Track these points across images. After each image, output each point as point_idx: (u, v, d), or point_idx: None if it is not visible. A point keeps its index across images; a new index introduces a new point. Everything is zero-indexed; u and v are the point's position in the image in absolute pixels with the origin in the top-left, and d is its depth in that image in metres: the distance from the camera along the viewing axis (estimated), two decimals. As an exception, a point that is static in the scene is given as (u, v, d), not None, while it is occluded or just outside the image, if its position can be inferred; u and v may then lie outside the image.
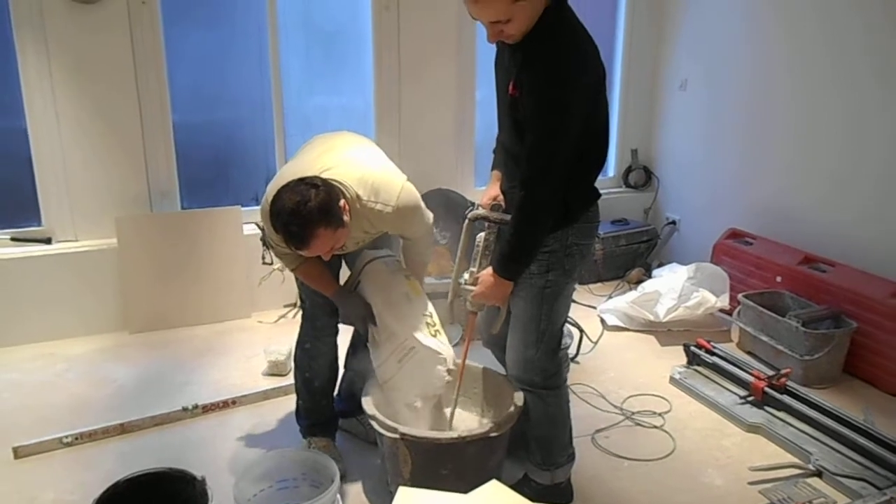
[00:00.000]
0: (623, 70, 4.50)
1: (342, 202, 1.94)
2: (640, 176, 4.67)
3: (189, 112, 3.63)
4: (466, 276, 2.07)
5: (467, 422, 2.37)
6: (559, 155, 1.78)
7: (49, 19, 3.16)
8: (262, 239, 3.35)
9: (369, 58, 3.86)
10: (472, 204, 2.97)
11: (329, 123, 3.86)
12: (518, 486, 2.11)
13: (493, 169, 2.15)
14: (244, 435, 2.63)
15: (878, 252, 3.18)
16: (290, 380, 2.63)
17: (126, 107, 3.39)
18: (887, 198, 3.16)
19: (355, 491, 2.31)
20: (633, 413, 2.82)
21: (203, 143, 3.76)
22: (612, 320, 3.66)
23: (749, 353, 3.33)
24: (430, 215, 2.23)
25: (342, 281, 2.35)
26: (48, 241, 3.40)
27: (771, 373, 2.89)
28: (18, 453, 2.48)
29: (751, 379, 2.85)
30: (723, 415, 2.81)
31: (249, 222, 3.64)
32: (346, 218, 1.94)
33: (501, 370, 2.32)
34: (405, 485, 1.90)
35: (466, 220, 2.11)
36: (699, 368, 3.12)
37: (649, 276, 4.10)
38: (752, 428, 2.70)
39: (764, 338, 3.20)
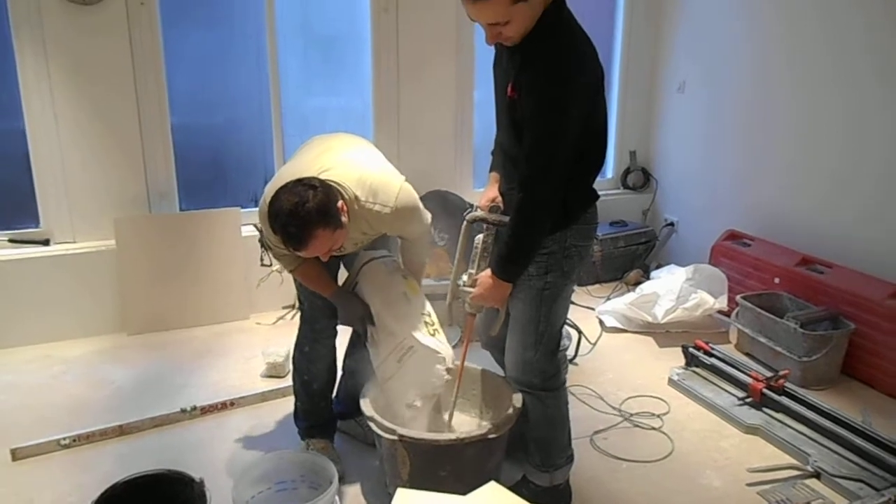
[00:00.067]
0: (621, 71, 4.51)
1: (340, 203, 1.94)
2: (639, 177, 4.67)
3: (187, 113, 3.64)
4: (465, 277, 2.07)
5: (466, 424, 2.37)
6: (559, 155, 1.78)
7: (47, 20, 3.16)
8: (260, 241, 3.35)
9: (368, 59, 3.86)
10: (471, 206, 2.97)
11: (327, 125, 3.87)
12: (517, 488, 2.10)
13: (491, 171, 2.15)
14: (242, 436, 2.63)
15: (876, 253, 3.19)
16: (288, 381, 2.63)
17: (124, 108, 3.39)
18: (887, 198, 3.16)
19: (354, 492, 2.31)
20: (631, 414, 2.82)
21: (201, 145, 3.77)
22: (610, 322, 3.66)
23: (747, 354, 3.34)
24: (428, 216, 2.23)
25: (340, 282, 2.35)
26: (46, 242, 3.40)
27: (769, 374, 2.90)
28: (16, 455, 2.48)
29: (749, 380, 2.85)
30: (721, 416, 2.81)
31: (248, 224, 3.64)
32: (344, 219, 1.94)
33: (500, 372, 2.32)
34: (403, 486, 1.90)
35: (465, 222, 2.11)
36: (697, 370, 3.13)
37: (648, 278, 4.10)
38: (751, 429, 2.70)
39: (762, 339, 3.20)
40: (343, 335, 2.47)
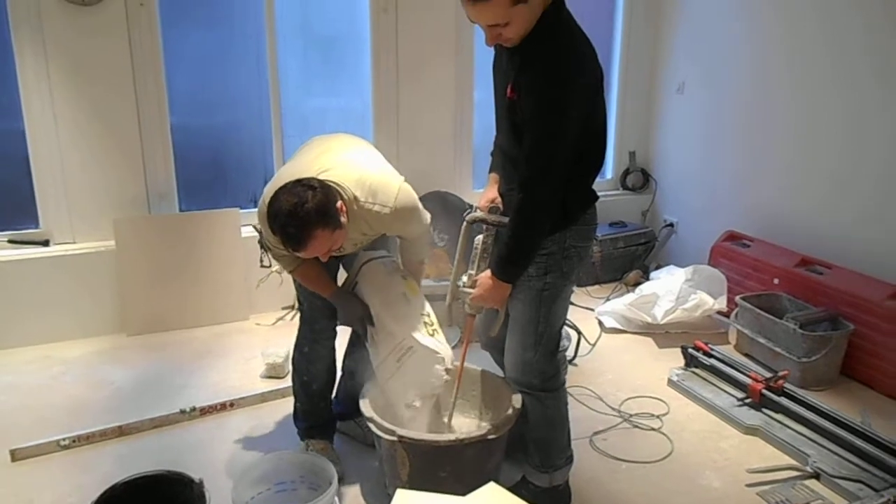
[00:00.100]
0: (621, 72, 4.51)
1: (339, 203, 1.94)
2: (638, 178, 4.67)
3: (187, 114, 3.64)
4: (465, 278, 2.07)
5: (465, 425, 2.37)
6: (558, 156, 1.78)
7: (47, 21, 3.16)
8: (259, 242, 3.35)
9: (367, 59, 3.86)
10: (470, 206, 2.97)
11: (327, 125, 3.87)
12: (516, 489, 2.10)
13: (491, 171, 2.15)
14: (242, 437, 2.63)
15: (876, 254, 3.19)
16: (287, 382, 2.63)
17: (124, 109, 3.39)
18: (886, 199, 3.16)
19: (353, 493, 2.31)
20: (630, 415, 2.82)
21: (201, 145, 3.77)
22: (609, 322, 3.66)
23: (746, 355, 3.34)
24: (427, 216, 2.23)
25: (340, 282, 2.35)
26: (46, 243, 3.40)
27: (768, 375, 2.90)
28: (16, 456, 2.47)
29: (748, 381, 2.85)
30: (720, 417, 2.81)
31: (247, 224, 3.64)
32: (343, 219, 1.94)
33: (500, 372, 2.32)
34: (403, 487, 1.90)
35: (464, 223, 2.11)
36: (697, 370, 3.13)
37: (647, 279, 4.10)
38: (750, 430, 2.70)
39: (761, 340, 3.20)
40: (343, 336, 2.47)
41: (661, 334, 3.56)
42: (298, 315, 2.42)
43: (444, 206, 3.67)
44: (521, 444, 2.21)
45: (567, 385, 2.20)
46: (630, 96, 4.55)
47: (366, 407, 2.14)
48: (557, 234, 1.94)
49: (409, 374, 2.16)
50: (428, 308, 2.26)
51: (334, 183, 1.98)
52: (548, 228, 1.88)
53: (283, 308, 3.79)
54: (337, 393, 2.56)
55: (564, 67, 1.74)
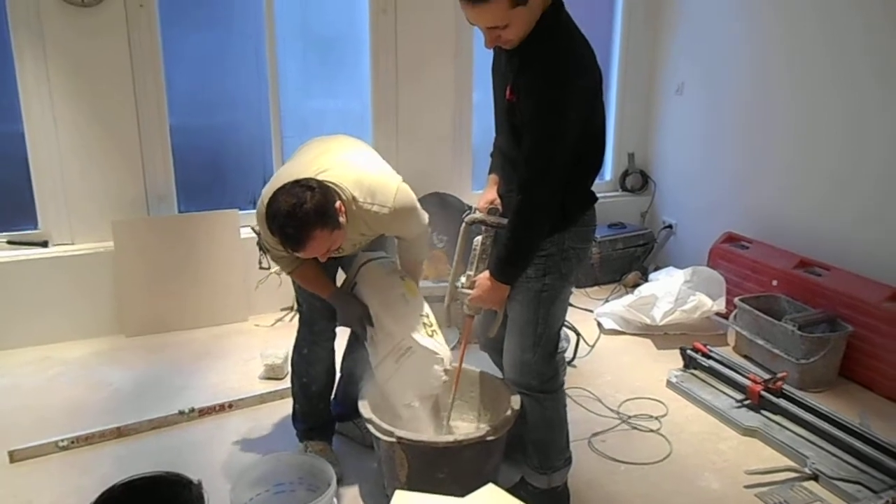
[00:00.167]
0: (620, 74, 4.51)
1: (338, 204, 1.94)
2: (637, 180, 4.67)
3: (186, 115, 3.64)
4: (463, 279, 2.07)
5: (464, 426, 2.37)
6: (557, 158, 1.78)
7: (46, 23, 3.17)
8: (258, 243, 3.35)
9: (367, 61, 3.87)
10: (470, 208, 2.98)
11: (326, 126, 3.86)
12: (515, 490, 2.10)
13: (490, 173, 2.15)
14: (241, 439, 2.63)
15: (875, 256, 3.19)
16: (286, 383, 2.63)
17: (123, 110, 3.40)
18: (886, 200, 3.16)
19: (352, 495, 2.31)
20: (629, 417, 2.82)
21: (200, 147, 3.77)
22: (608, 324, 3.66)
23: (745, 356, 3.34)
24: (426, 216, 2.24)
25: (339, 283, 2.35)
26: (45, 244, 3.40)
27: (767, 376, 2.90)
28: (14, 457, 2.47)
29: (747, 382, 2.85)
30: (719, 418, 2.81)
31: (246, 225, 3.64)
32: (342, 220, 1.94)
33: (498, 374, 2.32)
34: (402, 488, 1.90)
35: (464, 224, 2.11)
36: (696, 372, 3.13)
37: (646, 280, 4.10)
38: (749, 432, 2.70)
39: (760, 341, 3.20)
40: (342, 337, 2.47)
41: (659, 336, 3.56)
42: (297, 316, 2.42)
43: (443, 207, 3.67)
44: (519, 445, 2.21)
45: (566, 386, 2.20)
46: (629, 98, 4.55)
47: (364, 408, 2.14)
48: (556, 236, 1.94)
49: (407, 374, 2.16)
50: (427, 309, 2.26)
51: (333, 183, 1.98)
52: (547, 230, 1.88)
53: (282, 309, 3.79)
54: (336, 394, 2.56)
55: (563, 69, 1.74)
